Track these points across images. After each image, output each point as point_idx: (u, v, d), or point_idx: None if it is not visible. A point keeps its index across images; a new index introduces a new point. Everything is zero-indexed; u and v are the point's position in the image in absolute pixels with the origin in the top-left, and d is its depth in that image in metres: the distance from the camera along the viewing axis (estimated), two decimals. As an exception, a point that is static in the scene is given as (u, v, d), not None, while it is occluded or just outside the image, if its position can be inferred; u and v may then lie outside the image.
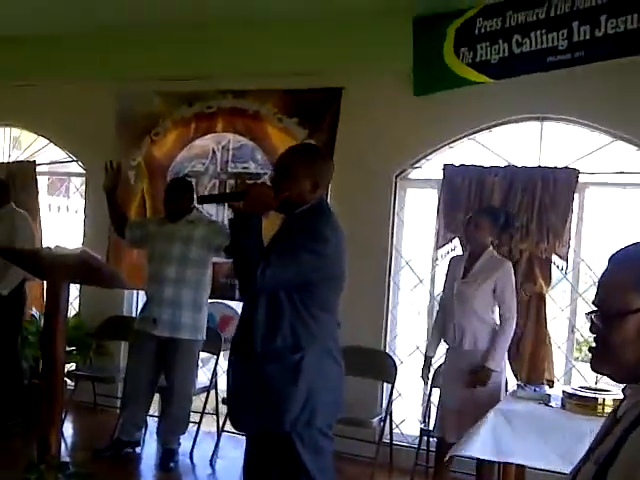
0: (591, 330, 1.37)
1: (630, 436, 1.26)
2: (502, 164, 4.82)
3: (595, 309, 1.36)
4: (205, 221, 4.86)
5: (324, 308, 2.80)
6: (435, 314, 4.52)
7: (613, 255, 1.38)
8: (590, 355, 1.39)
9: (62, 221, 6.76)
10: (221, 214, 5.70)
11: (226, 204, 5.63)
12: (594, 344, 1.37)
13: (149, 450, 5.07)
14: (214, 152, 5.75)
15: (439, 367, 4.82)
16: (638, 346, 1.30)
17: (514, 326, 4.15)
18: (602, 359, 1.35)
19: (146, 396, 4.86)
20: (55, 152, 6.57)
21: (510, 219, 4.35)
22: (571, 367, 4.78)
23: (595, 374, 1.44)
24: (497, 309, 4.18)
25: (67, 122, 6.09)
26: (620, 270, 1.33)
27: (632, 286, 1.30)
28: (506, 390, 4.27)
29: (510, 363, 4.69)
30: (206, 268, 4.75)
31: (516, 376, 4.63)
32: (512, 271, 4.15)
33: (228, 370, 2.99)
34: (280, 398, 2.72)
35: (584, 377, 4.59)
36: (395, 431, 4.99)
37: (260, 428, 2.82)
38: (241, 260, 2.73)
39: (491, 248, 4.21)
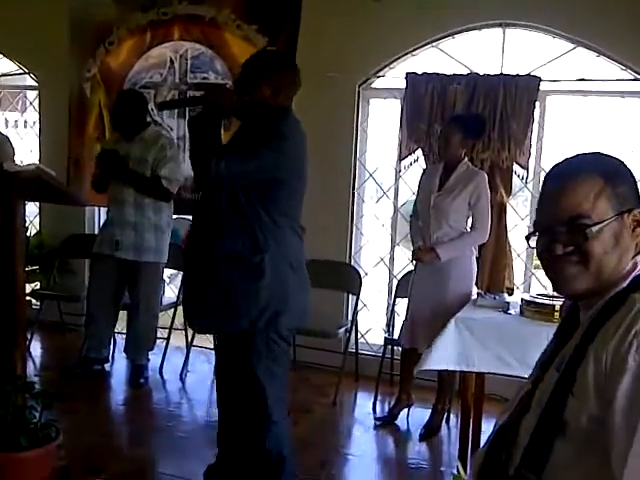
0: (556, 249, 1.35)
1: (599, 332, 1.29)
2: (465, 72, 4.73)
3: (560, 226, 1.35)
4: (159, 144, 4.62)
5: (286, 213, 2.78)
6: (409, 223, 4.39)
7: (560, 171, 1.40)
8: (565, 276, 1.36)
9: (19, 136, 6.56)
10: (182, 127, 5.58)
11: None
12: (563, 264, 1.36)
13: (119, 367, 5.10)
14: (172, 62, 5.56)
15: (402, 277, 4.87)
16: (616, 254, 1.34)
17: (483, 238, 4.12)
18: (584, 275, 1.35)
19: (110, 314, 4.85)
20: (6, 64, 6.31)
21: (481, 125, 4.26)
22: (530, 275, 4.87)
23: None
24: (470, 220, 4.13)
25: (18, 33, 5.83)
26: (579, 183, 1.34)
27: (598, 195, 1.33)
28: None
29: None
30: None
31: (477, 285, 4.69)
32: (487, 182, 4.08)
33: (184, 274, 2.97)
34: (240, 298, 2.72)
35: (543, 285, 4.67)
36: (360, 341, 5.09)
37: (217, 328, 2.85)
38: (198, 155, 2.69)
39: (466, 159, 4.12)
